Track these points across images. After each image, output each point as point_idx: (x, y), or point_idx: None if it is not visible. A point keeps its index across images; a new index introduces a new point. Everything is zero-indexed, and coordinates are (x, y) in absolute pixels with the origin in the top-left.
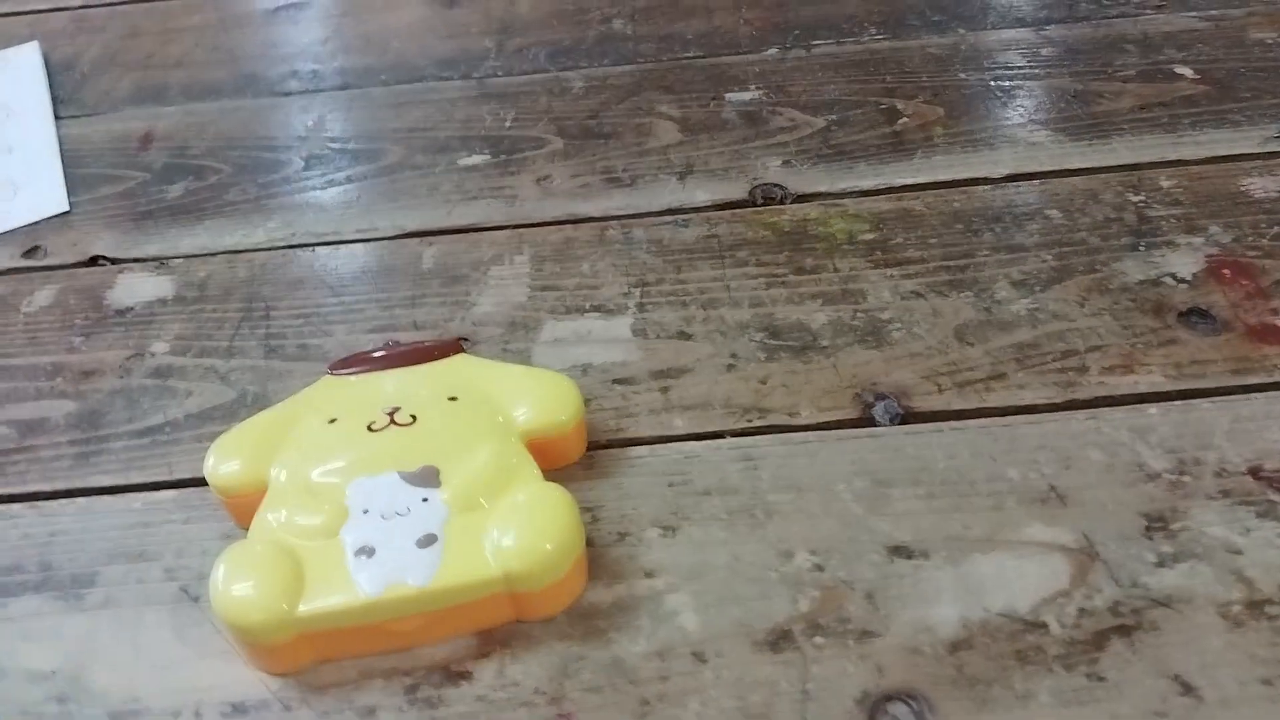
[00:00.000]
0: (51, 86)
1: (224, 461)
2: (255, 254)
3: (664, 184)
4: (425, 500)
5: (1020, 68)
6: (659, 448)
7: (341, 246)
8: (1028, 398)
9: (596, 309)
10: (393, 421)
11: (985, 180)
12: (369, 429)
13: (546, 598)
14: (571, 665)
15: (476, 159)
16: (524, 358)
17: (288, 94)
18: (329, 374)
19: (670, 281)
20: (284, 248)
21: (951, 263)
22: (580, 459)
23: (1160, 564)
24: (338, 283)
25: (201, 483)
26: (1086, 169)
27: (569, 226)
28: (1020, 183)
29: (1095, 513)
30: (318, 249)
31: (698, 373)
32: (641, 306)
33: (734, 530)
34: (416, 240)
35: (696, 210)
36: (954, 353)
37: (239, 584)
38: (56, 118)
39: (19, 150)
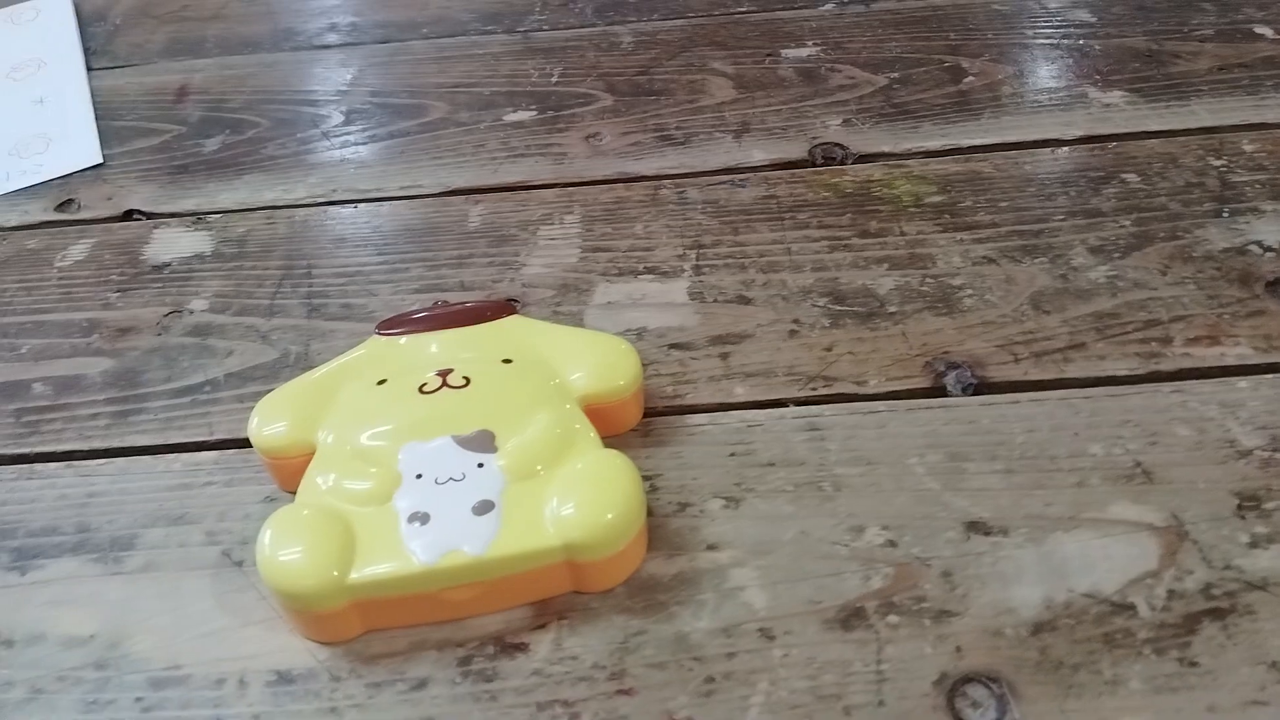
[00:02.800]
0: (83, 38)
1: (269, 422)
2: (295, 210)
3: (719, 143)
4: (480, 466)
5: (1090, 25)
6: (719, 416)
7: (385, 204)
8: (1109, 369)
9: (651, 271)
10: (445, 384)
11: (1057, 142)
12: (420, 391)
13: (606, 569)
14: (632, 640)
15: (523, 115)
16: (576, 321)
17: (326, 47)
18: (377, 334)
19: (728, 244)
20: (325, 204)
21: (1024, 227)
22: (637, 426)
23: (1254, 545)
24: (381, 241)
25: (243, 444)
26: (1164, 132)
27: (620, 186)
28: (1094, 145)
29: (1184, 491)
30: (360, 206)
31: (759, 339)
32: (698, 269)
33: (801, 504)
34: (462, 198)
35: (753, 170)
36: (1030, 321)
37: (288, 549)
38: (88, 69)
39: (51, 102)
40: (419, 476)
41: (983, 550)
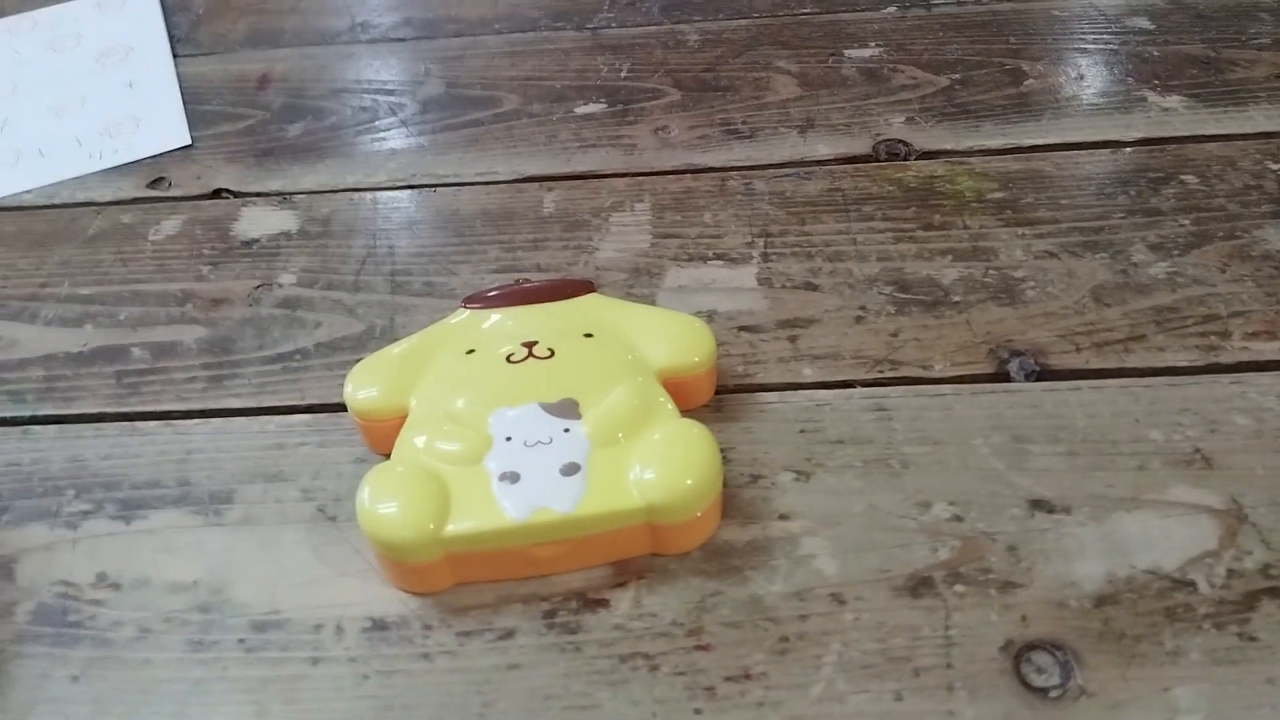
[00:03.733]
0: (168, 26)
1: (363, 387)
2: (376, 193)
3: (784, 137)
4: (566, 431)
5: (1149, 32)
6: (788, 394)
7: (463, 189)
8: (1169, 360)
9: (720, 257)
10: (531, 354)
11: (1116, 144)
12: (508, 360)
13: (684, 532)
14: (708, 600)
15: (593, 108)
16: (648, 303)
17: (401, 40)
18: (463, 307)
19: (794, 233)
20: (405, 188)
21: (1085, 224)
22: (709, 402)
23: None
24: (460, 224)
25: (333, 408)
26: (1222, 136)
27: (689, 176)
28: (1153, 147)
29: (1243, 477)
30: (439, 190)
31: (826, 323)
32: (766, 256)
33: (870, 479)
34: (536, 185)
35: (818, 163)
36: (1091, 313)
37: (386, 503)
38: (174, 56)
39: (140, 86)
40: (508, 439)
41: (1046, 527)
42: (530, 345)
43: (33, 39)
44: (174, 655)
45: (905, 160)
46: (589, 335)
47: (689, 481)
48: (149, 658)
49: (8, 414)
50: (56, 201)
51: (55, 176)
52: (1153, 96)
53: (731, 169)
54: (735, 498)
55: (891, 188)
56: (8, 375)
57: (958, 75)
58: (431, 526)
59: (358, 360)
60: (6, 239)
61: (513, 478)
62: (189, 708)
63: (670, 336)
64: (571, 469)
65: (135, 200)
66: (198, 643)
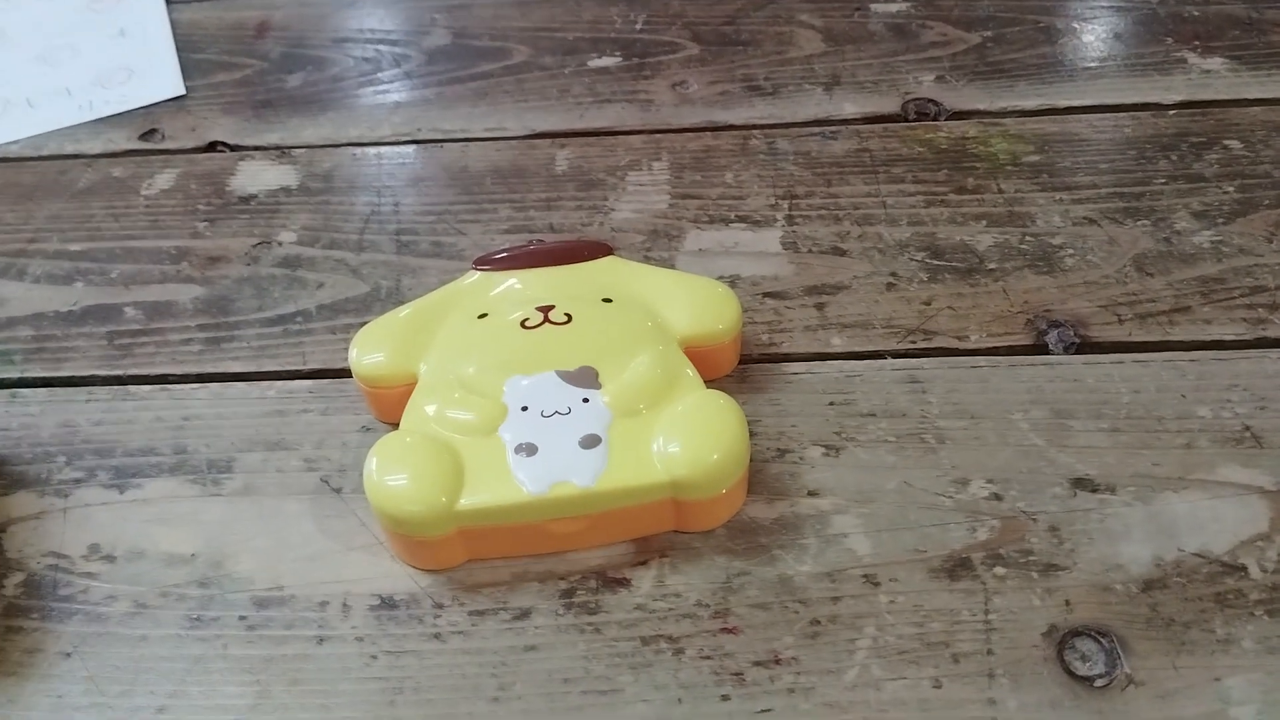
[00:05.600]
0: None
1: (369, 352)
2: (380, 148)
3: (809, 95)
4: (586, 401)
5: None
6: (816, 365)
7: (471, 145)
8: (1215, 333)
9: (743, 220)
10: (547, 319)
11: (1156, 106)
12: (523, 326)
13: (709, 508)
14: (735, 580)
15: (607, 61)
16: (667, 266)
17: None
18: (474, 269)
19: (820, 195)
20: (410, 143)
21: (1125, 190)
22: (732, 372)
23: None
24: (468, 181)
25: (338, 374)
26: (1266, 100)
27: (708, 135)
28: (1194, 111)
29: None
30: (445, 145)
31: (855, 290)
32: (790, 219)
33: (903, 454)
34: (548, 142)
35: (845, 123)
36: (1133, 283)
37: (396, 475)
38: (168, 2)
39: (132, 33)
40: (524, 409)
41: (1090, 507)
42: (546, 310)
43: None
44: (171, 632)
45: (936, 120)
46: (608, 300)
47: (715, 456)
48: (145, 634)
49: None
50: (44, 153)
51: (44, 127)
52: (1193, 58)
53: (753, 127)
54: (761, 473)
55: (922, 149)
56: None
57: (989, 32)
58: (444, 500)
59: (362, 323)
60: None
61: (529, 449)
62: (187, 687)
63: (693, 302)
64: (591, 441)
65: (127, 153)
66: (196, 619)
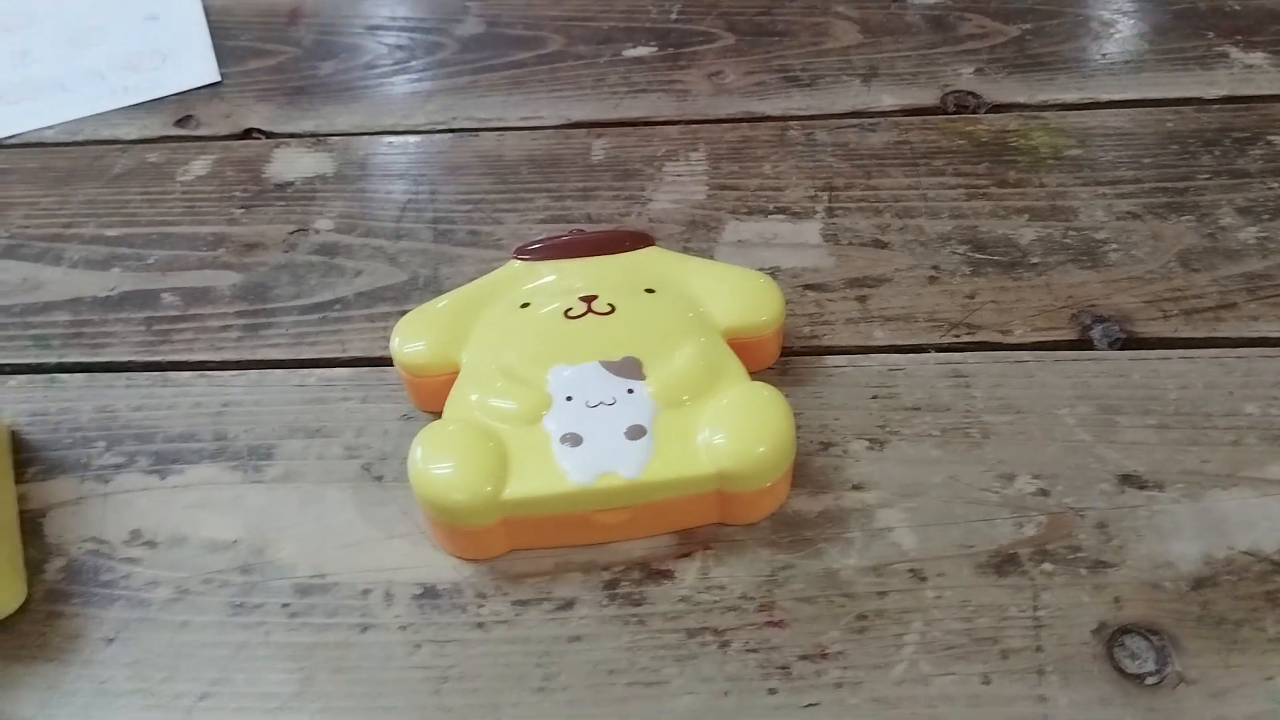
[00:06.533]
0: None
1: (410, 340)
2: (415, 136)
3: (846, 86)
4: (630, 392)
5: None
6: (859, 358)
7: (506, 134)
8: (1263, 330)
9: (782, 211)
10: (590, 309)
11: (1199, 100)
12: (565, 315)
13: (754, 501)
14: (780, 573)
15: (642, 51)
16: (707, 257)
17: None
18: (515, 258)
19: (860, 187)
20: (445, 131)
21: (1168, 184)
22: (774, 364)
23: None
24: (505, 170)
25: (377, 362)
26: None
27: (745, 125)
28: (1238, 106)
29: None
30: (481, 134)
31: (897, 283)
32: (830, 211)
33: (949, 449)
34: (584, 131)
35: (883, 115)
36: (1178, 278)
37: (441, 463)
38: None
39: (165, 18)
40: (569, 399)
41: (1138, 504)
42: (589, 300)
43: None
44: (214, 618)
45: (975, 113)
46: (650, 291)
47: (762, 448)
48: (187, 620)
49: (34, 360)
50: (79, 138)
51: (77, 112)
52: (1235, 52)
53: (791, 118)
54: (805, 466)
55: (962, 141)
56: (33, 319)
57: (1029, 25)
58: (489, 489)
59: (400, 312)
60: (28, 176)
61: (574, 440)
62: (231, 673)
63: (736, 293)
64: (637, 432)
65: (162, 139)
66: (239, 605)
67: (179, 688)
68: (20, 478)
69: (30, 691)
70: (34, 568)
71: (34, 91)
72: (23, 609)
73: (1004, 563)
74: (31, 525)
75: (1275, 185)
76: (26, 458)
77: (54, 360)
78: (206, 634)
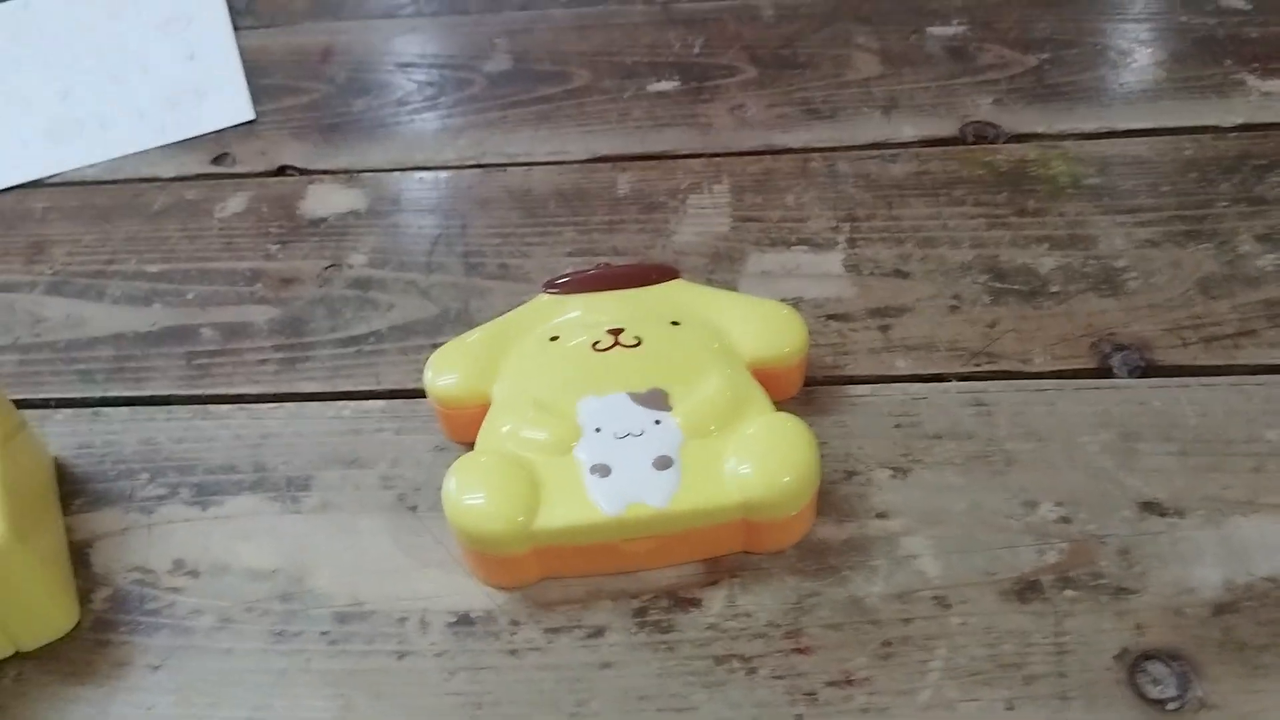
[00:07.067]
0: None
1: (443, 373)
2: (446, 171)
3: (867, 117)
4: (658, 423)
5: (1245, 13)
6: (881, 387)
7: (534, 169)
8: None
9: (804, 242)
10: (618, 342)
11: (1216, 129)
12: (594, 348)
13: (780, 530)
14: (806, 600)
15: (666, 85)
16: (730, 289)
17: (465, 13)
18: (544, 292)
19: (882, 217)
20: (475, 167)
21: (1188, 212)
22: (798, 394)
23: None
24: (533, 204)
25: (411, 394)
26: None
27: (768, 157)
28: (1255, 133)
29: None
30: (509, 169)
31: (918, 313)
32: (852, 242)
33: (971, 476)
34: (610, 165)
35: (904, 146)
36: (1198, 306)
37: (474, 494)
38: (234, 28)
39: (201, 58)
40: (598, 430)
41: (1159, 530)
42: (616, 333)
43: (92, 7)
44: (256, 645)
45: (994, 143)
46: (675, 323)
47: (787, 478)
48: (230, 648)
49: (78, 394)
50: (119, 176)
51: (117, 150)
52: (1252, 80)
53: (813, 150)
54: (830, 494)
55: (982, 171)
56: (78, 354)
57: (1047, 55)
58: (521, 519)
59: (433, 344)
60: (69, 213)
61: (604, 470)
62: (273, 699)
63: (760, 325)
64: (664, 462)
65: (200, 176)
66: (280, 633)
67: (224, 713)
68: (67, 509)
69: (80, 718)
70: (82, 596)
71: (76, 130)
72: (72, 637)
73: (1027, 589)
74: (79, 555)
75: None
76: (73, 490)
77: (98, 394)
78: (249, 661)
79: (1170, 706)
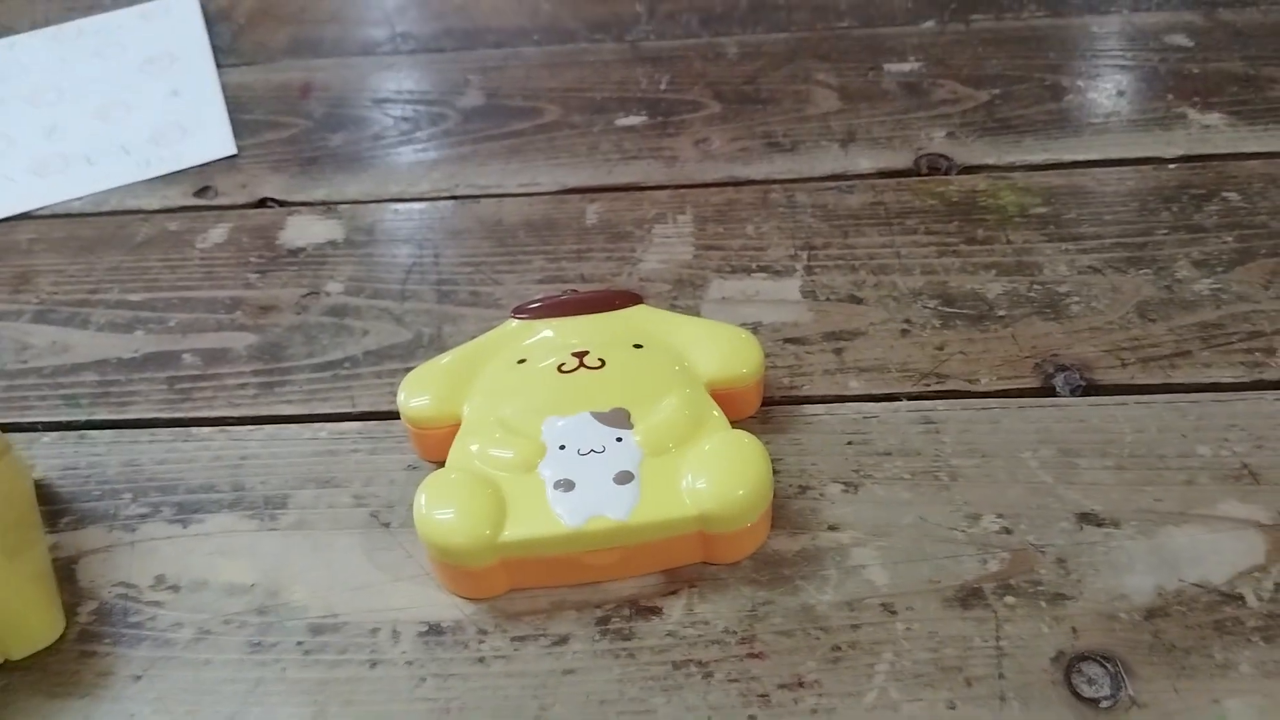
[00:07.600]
0: (210, 36)
1: (415, 395)
2: (420, 203)
3: (826, 150)
4: (619, 440)
5: (1187, 49)
6: (835, 407)
7: (505, 200)
8: (1215, 376)
9: (764, 270)
10: (582, 364)
11: (1158, 160)
12: (559, 370)
13: (735, 541)
14: (760, 608)
15: (634, 120)
16: (693, 314)
17: (441, 50)
18: (513, 317)
19: (838, 246)
20: (448, 198)
21: (1128, 240)
22: (755, 413)
23: None
24: (504, 234)
25: (384, 415)
26: (1264, 153)
27: (730, 189)
28: (1195, 164)
29: None
30: (482, 200)
31: (871, 336)
32: (809, 269)
33: (918, 491)
34: (579, 196)
35: (860, 177)
36: (1136, 328)
37: (444, 509)
38: (217, 66)
39: (185, 94)
40: (562, 448)
41: (1095, 540)
42: (581, 355)
43: (78, 46)
44: (233, 656)
45: (947, 175)
46: (638, 346)
47: (741, 491)
48: (209, 658)
49: (64, 418)
50: (104, 209)
51: (103, 184)
52: (1193, 113)
53: (773, 181)
54: (784, 508)
55: (934, 201)
56: (63, 380)
57: (998, 90)
58: (488, 532)
59: (407, 369)
60: (56, 245)
61: (567, 485)
62: (249, 707)
63: (718, 348)
64: (625, 477)
65: (182, 208)
66: (256, 644)
67: None
68: (53, 527)
69: None
70: (68, 610)
71: (63, 164)
72: (57, 648)
73: (969, 596)
74: (66, 571)
75: (1229, 239)
76: (59, 509)
77: (83, 418)
78: (226, 671)
79: (1103, 705)
